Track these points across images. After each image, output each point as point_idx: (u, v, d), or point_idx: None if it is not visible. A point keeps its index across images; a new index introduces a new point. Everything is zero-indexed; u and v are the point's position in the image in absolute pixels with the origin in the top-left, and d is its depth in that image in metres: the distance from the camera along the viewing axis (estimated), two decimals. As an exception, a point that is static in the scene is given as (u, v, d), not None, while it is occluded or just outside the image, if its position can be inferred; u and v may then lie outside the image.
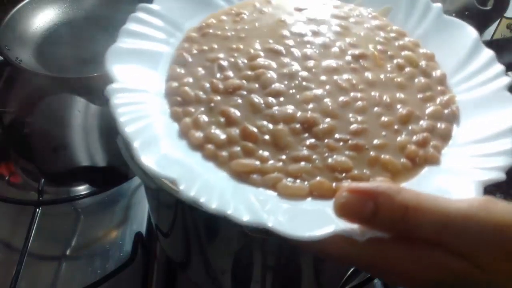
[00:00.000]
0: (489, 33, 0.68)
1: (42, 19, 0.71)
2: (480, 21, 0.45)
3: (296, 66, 0.35)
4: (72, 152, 0.43)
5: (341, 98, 0.32)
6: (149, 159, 0.27)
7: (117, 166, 0.47)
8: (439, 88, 0.35)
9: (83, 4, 0.74)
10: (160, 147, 0.29)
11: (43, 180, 0.51)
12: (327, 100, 0.32)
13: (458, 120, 0.33)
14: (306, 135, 0.30)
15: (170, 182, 0.27)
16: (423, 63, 0.36)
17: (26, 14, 0.69)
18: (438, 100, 0.34)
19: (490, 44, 0.44)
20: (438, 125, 0.32)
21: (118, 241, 0.51)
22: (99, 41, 0.70)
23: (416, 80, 0.35)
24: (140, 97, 0.32)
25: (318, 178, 0.28)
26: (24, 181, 0.55)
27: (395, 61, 0.36)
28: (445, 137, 0.32)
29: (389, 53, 0.37)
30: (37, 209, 0.49)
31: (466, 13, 0.44)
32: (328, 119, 0.31)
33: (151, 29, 0.37)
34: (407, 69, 0.36)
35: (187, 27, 0.39)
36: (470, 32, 0.37)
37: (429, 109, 0.33)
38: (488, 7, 0.46)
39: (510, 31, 0.68)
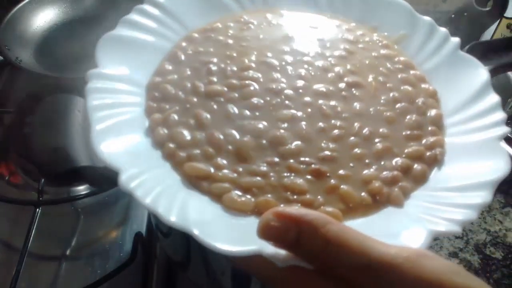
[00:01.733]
0: (489, 33, 0.68)
1: (42, 19, 0.71)
2: (479, 22, 0.45)
3: (284, 84, 0.34)
4: (72, 152, 0.43)
5: (319, 124, 0.32)
6: (102, 144, 0.27)
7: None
8: (430, 128, 0.34)
9: (83, 4, 0.75)
10: (120, 136, 0.29)
11: (43, 180, 0.51)
12: (303, 123, 0.32)
13: (441, 164, 0.31)
14: (271, 152, 0.30)
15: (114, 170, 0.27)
16: (420, 100, 0.35)
17: (26, 14, 0.70)
18: (424, 141, 0.33)
19: (489, 44, 0.44)
20: (415, 166, 0.31)
21: (118, 241, 0.51)
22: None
23: (408, 117, 0.34)
24: (119, 86, 0.32)
25: (268, 196, 0.28)
26: (24, 181, 0.55)
27: (391, 94, 0.35)
28: (419, 179, 0.30)
29: (388, 85, 0.36)
30: (37, 209, 0.49)
31: (465, 14, 0.44)
32: (298, 142, 0.30)
33: (153, 22, 0.37)
34: (401, 104, 0.35)
35: (192, 26, 0.39)
36: (481, 73, 0.35)
37: (410, 148, 0.32)
38: (487, 8, 0.46)
39: (510, 31, 0.68)
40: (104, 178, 0.49)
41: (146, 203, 0.24)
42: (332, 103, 0.34)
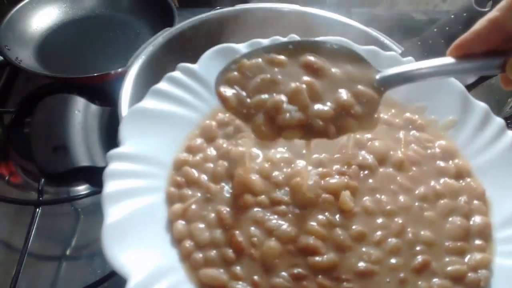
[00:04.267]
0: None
1: (42, 19, 0.71)
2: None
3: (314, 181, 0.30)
4: (72, 152, 0.43)
5: (356, 227, 0.28)
6: (111, 243, 0.25)
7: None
8: (477, 242, 0.29)
9: (83, 4, 0.75)
10: (135, 233, 0.26)
11: (43, 180, 0.51)
12: (340, 232, 0.28)
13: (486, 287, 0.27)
14: (299, 262, 0.27)
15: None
16: (463, 198, 0.30)
17: (26, 14, 0.70)
18: (468, 257, 0.28)
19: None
20: None
21: (118, 241, 0.51)
22: (99, 41, 0.70)
23: (450, 219, 0.29)
24: (142, 168, 0.30)
25: None
26: (24, 181, 0.55)
27: (432, 182, 0.31)
28: None
29: (424, 168, 0.32)
30: (37, 209, 0.49)
31: (465, 14, 0.44)
32: (332, 253, 0.27)
33: (184, 92, 0.35)
34: (443, 201, 0.30)
35: None
36: None
37: (451, 266, 0.27)
38: (487, 9, 0.45)
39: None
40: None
41: None
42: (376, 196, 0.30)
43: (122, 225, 0.26)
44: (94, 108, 0.48)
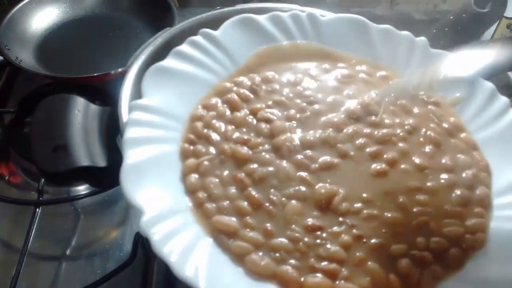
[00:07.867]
0: (489, 33, 0.68)
1: (42, 19, 0.71)
2: (478, 22, 0.45)
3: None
4: (72, 152, 0.43)
5: (381, 185, 0.30)
6: (129, 181, 0.27)
7: (117, 166, 0.48)
8: (476, 209, 0.30)
9: (83, 4, 0.75)
10: (151, 176, 0.28)
11: (43, 180, 0.51)
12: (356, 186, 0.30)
13: (481, 251, 0.29)
14: (316, 213, 0.28)
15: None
16: (469, 172, 0.32)
17: (26, 14, 0.70)
18: (466, 221, 0.30)
19: (489, 43, 0.43)
20: (451, 250, 0.28)
21: (118, 241, 0.51)
22: (99, 41, 0.70)
23: (455, 191, 0.31)
24: (160, 120, 0.31)
25: (292, 262, 0.26)
26: (24, 181, 0.55)
27: (443, 160, 0.33)
28: (453, 266, 0.28)
29: (442, 147, 0.33)
30: (37, 209, 0.49)
31: (464, 15, 0.44)
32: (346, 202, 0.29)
33: (204, 56, 0.37)
34: (449, 176, 0.32)
35: (242, 63, 0.38)
36: None
37: (449, 227, 0.29)
38: (486, 9, 0.45)
39: (510, 31, 0.68)
40: (104, 178, 0.49)
41: (163, 252, 0.24)
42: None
43: (139, 167, 0.28)
44: (94, 108, 0.48)
